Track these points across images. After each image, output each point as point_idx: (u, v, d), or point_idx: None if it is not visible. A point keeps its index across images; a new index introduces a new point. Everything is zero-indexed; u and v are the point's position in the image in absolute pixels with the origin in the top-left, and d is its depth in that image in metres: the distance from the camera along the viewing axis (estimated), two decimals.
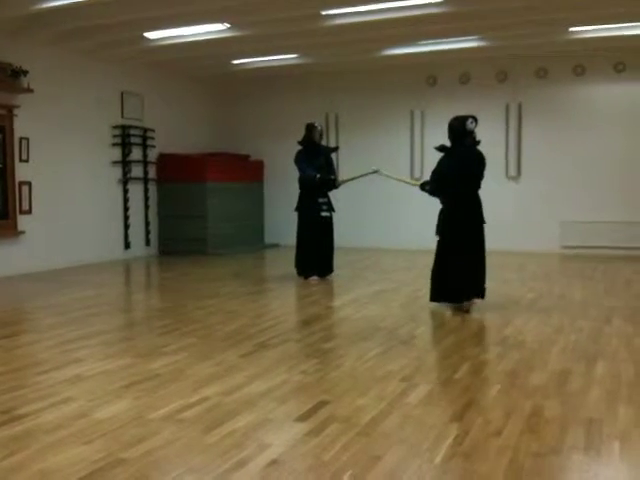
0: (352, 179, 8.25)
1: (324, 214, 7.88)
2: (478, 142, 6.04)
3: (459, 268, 5.85)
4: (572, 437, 2.99)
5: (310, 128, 8.02)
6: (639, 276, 8.18)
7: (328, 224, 7.94)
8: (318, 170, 7.81)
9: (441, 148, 6.09)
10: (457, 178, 5.88)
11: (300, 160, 7.92)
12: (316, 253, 7.84)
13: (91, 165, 9.84)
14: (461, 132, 5.94)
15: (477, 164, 5.97)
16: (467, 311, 5.89)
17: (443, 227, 5.98)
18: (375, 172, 7.72)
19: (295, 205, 8.03)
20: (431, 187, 6.12)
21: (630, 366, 4.15)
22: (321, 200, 7.88)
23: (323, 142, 8.38)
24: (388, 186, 8.33)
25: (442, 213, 6.04)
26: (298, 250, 7.96)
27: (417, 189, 6.50)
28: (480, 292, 5.99)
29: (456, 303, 5.97)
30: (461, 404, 3.46)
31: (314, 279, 7.79)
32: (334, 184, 7.98)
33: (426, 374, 4.06)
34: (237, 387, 3.80)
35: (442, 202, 6.08)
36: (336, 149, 9.07)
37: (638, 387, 3.73)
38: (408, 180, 6.89)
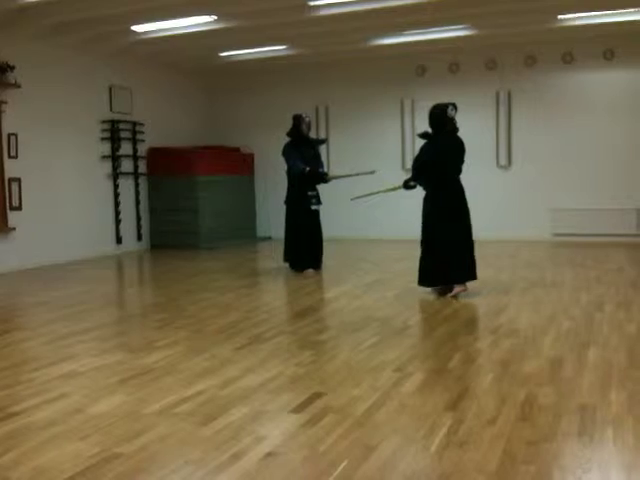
0: (346, 176, 8.18)
1: (314, 207, 7.86)
2: (457, 129, 6.20)
3: (445, 253, 6.00)
4: (566, 424, 3.01)
5: (298, 120, 7.95)
6: (630, 263, 8.22)
7: (317, 217, 7.94)
8: (307, 163, 7.78)
9: (424, 135, 6.22)
10: (440, 165, 6.04)
11: (288, 153, 7.86)
12: (310, 246, 7.82)
13: (81, 160, 9.80)
14: (442, 119, 6.08)
15: (458, 150, 6.15)
16: (454, 297, 6.00)
17: (427, 213, 6.14)
18: (372, 173, 7.68)
19: (284, 198, 8.01)
20: (414, 174, 6.26)
21: (622, 352, 4.18)
22: (310, 193, 7.85)
23: (312, 134, 8.36)
24: (379, 177, 8.32)
25: (426, 200, 6.19)
26: (290, 243, 7.92)
27: (403, 191, 6.60)
28: (469, 276, 6.10)
29: (442, 287, 6.12)
30: (455, 393, 3.48)
31: (310, 271, 7.77)
32: (323, 178, 7.94)
33: (420, 363, 4.08)
34: (232, 380, 3.80)
35: (425, 188, 6.22)
36: (324, 141, 9.01)
37: (630, 373, 3.76)
38: (392, 187, 6.90)
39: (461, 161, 6.20)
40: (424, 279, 6.22)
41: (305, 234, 7.79)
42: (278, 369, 4.00)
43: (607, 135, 10.07)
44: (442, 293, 6.14)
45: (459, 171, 6.19)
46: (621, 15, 8.71)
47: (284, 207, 8.08)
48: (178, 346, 4.62)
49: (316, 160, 8.00)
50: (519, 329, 4.87)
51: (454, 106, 6.13)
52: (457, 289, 6.06)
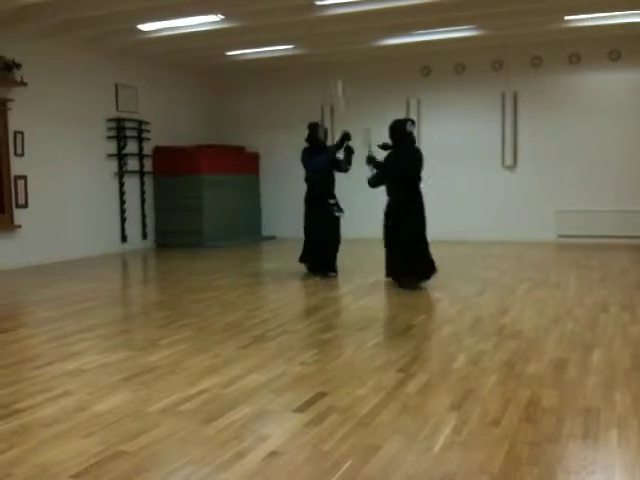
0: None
1: (337, 214, 7.61)
2: (415, 141, 6.91)
3: (402, 253, 6.64)
4: (570, 426, 3.00)
5: (314, 128, 7.73)
6: (635, 265, 8.20)
7: (336, 224, 7.67)
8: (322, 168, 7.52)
9: (384, 146, 6.83)
10: (401, 175, 6.65)
11: (307, 158, 7.63)
12: (334, 251, 7.68)
13: (87, 158, 9.82)
14: (402, 133, 6.72)
15: (418, 162, 6.74)
16: (411, 288, 6.55)
17: (388, 218, 6.77)
18: (368, 130, 7.44)
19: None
20: (375, 179, 6.88)
21: (626, 354, 4.17)
22: (331, 201, 7.61)
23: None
24: None
25: (388, 205, 6.80)
26: (316, 248, 7.65)
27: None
28: (427, 274, 6.70)
29: (400, 282, 6.72)
30: (459, 394, 3.47)
31: (333, 274, 7.58)
32: (348, 161, 7.56)
33: (424, 364, 4.07)
34: (235, 379, 3.80)
35: (388, 194, 6.82)
36: (347, 137, 7.68)
37: (635, 375, 3.75)
38: (368, 149, 7.15)
39: (419, 170, 6.75)
40: (390, 273, 6.88)
41: (330, 240, 7.59)
42: (282, 368, 4.00)
43: (613, 136, 10.05)
44: (402, 286, 6.64)
45: (419, 179, 6.75)
46: (627, 17, 8.70)
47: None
48: (182, 344, 4.62)
49: (336, 167, 7.69)
50: (523, 330, 4.87)
51: (412, 121, 6.98)
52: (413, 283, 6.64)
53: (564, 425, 3.01)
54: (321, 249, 7.64)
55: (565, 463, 2.66)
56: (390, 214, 6.77)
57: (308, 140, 7.77)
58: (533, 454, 2.71)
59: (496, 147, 10.68)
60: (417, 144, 6.93)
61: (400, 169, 6.67)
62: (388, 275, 6.95)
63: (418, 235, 6.68)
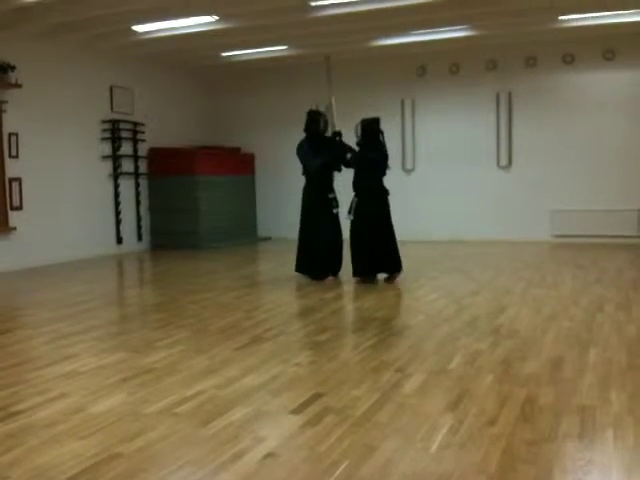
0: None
1: (335, 211, 7.30)
2: (382, 140, 7.19)
3: (363, 248, 6.98)
4: (566, 425, 3.01)
5: (314, 117, 7.30)
6: (630, 264, 8.22)
7: (338, 221, 7.34)
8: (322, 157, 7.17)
9: (349, 148, 7.25)
10: (364, 171, 7.07)
11: (303, 151, 7.27)
12: (330, 253, 7.28)
13: (81, 160, 9.81)
14: (367, 131, 7.13)
15: (382, 160, 7.12)
16: (369, 282, 6.94)
17: (353, 212, 7.08)
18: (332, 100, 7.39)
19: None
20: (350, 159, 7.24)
21: (622, 353, 4.18)
22: (330, 196, 7.30)
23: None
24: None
25: (353, 200, 7.14)
26: (308, 250, 7.31)
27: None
28: (390, 268, 7.05)
29: (358, 277, 7.06)
30: (455, 394, 3.48)
31: (330, 279, 7.28)
32: (339, 140, 7.23)
33: (420, 364, 4.08)
34: (232, 380, 3.80)
35: (353, 190, 7.16)
36: (339, 134, 7.35)
37: (630, 374, 3.76)
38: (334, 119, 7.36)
39: (384, 168, 7.18)
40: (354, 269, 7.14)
41: (327, 240, 7.24)
42: (278, 369, 4.00)
43: (608, 136, 10.08)
44: (361, 281, 7.03)
45: (383, 174, 7.18)
46: (621, 16, 8.72)
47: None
48: (178, 346, 4.62)
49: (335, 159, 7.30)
50: (519, 330, 4.88)
51: (378, 120, 7.25)
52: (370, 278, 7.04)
53: (560, 424, 3.01)
54: (329, 249, 7.25)
55: (561, 462, 2.66)
56: (353, 210, 7.10)
57: (306, 129, 7.32)
58: (530, 453, 2.72)
59: (491, 147, 10.71)
60: (385, 142, 7.24)
61: (367, 164, 7.05)
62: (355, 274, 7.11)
63: (361, 233, 7.00)
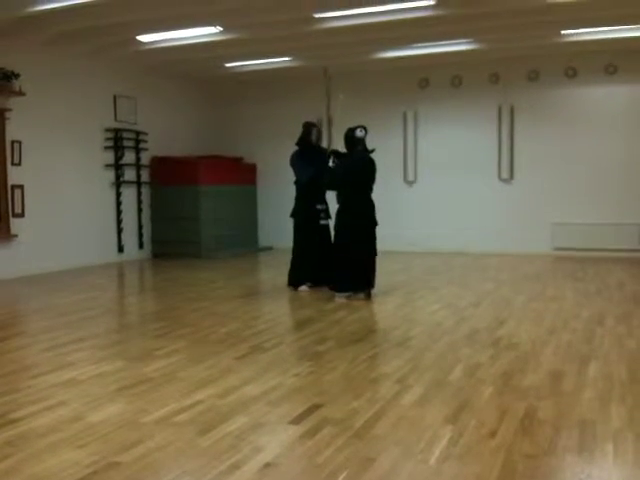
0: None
1: (323, 222, 7.37)
2: (371, 150, 6.71)
3: (345, 263, 6.62)
4: (566, 438, 3.00)
5: (308, 129, 7.42)
6: (631, 278, 8.21)
7: (327, 232, 7.39)
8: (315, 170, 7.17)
9: (334, 153, 6.84)
10: (349, 183, 6.62)
11: (295, 163, 7.41)
12: (311, 262, 7.35)
13: (84, 168, 9.83)
14: (352, 140, 6.64)
15: (368, 170, 6.66)
16: (346, 297, 6.65)
17: (337, 225, 6.76)
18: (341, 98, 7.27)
19: (290, 210, 7.51)
20: (328, 182, 6.82)
21: (622, 367, 4.17)
22: (319, 207, 7.37)
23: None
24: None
25: (338, 213, 6.77)
26: (294, 259, 7.49)
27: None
28: (367, 285, 6.70)
29: (339, 292, 6.73)
30: (455, 406, 3.47)
31: (303, 289, 7.33)
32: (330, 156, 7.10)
33: (420, 376, 4.07)
34: (231, 390, 3.79)
35: (337, 202, 6.77)
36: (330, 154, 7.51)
37: (631, 388, 3.75)
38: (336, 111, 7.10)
39: (372, 180, 6.71)
40: (338, 285, 6.78)
41: (308, 250, 7.31)
42: (278, 379, 4.00)
43: (609, 150, 10.09)
44: (341, 297, 6.70)
45: (369, 189, 6.71)
46: (624, 31, 8.75)
47: (286, 217, 7.84)
48: (178, 355, 4.62)
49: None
50: (519, 342, 4.87)
51: (363, 128, 6.68)
52: (351, 295, 6.70)
53: (560, 438, 3.00)
54: (304, 260, 7.33)
55: (561, 476, 2.65)
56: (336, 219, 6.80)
57: (300, 141, 7.44)
58: (529, 466, 2.71)
59: (493, 160, 10.72)
60: (369, 150, 6.75)
61: (349, 175, 6.61)
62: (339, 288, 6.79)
63: (345, 247, 6.63)
